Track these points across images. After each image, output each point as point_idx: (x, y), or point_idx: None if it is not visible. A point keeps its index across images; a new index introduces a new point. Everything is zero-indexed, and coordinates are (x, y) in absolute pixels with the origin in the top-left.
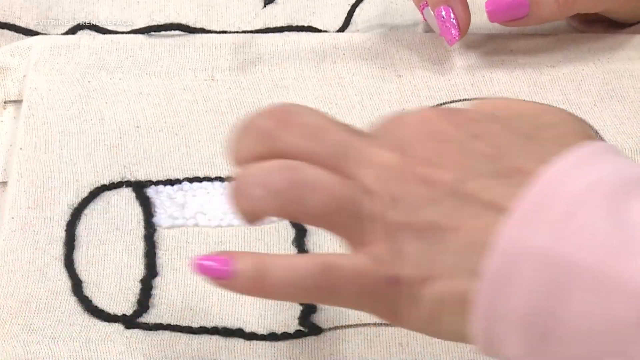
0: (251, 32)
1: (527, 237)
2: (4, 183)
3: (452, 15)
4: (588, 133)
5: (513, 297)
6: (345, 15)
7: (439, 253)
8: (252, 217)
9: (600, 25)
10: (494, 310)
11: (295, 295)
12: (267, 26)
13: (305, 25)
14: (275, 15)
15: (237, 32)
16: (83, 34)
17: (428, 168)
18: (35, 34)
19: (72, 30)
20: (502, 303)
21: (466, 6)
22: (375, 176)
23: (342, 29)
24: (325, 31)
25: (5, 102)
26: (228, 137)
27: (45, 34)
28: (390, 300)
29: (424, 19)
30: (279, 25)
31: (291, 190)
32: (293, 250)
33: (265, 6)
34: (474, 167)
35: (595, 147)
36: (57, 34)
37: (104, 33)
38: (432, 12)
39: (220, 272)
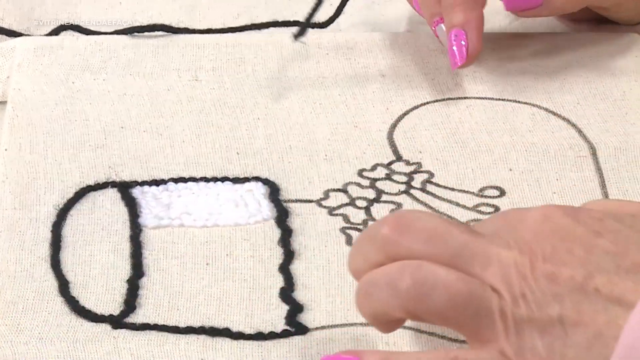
0: (237, 28)
1: None
2: None
3: (463, 41)
4: None
5: None
6: (335, 9)
7: (565, 347)
8: (380, 320)
9: (591, 24)
10: None
11: None
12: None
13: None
14: (257, 16)
15: (222, 28)
16: (66, 35)
17: (553, 265)
18: (18, 35)
19: (56, 31)
20: None
21: (480, 36)
22: (500, 274)
23: (332, 19)
24: (313, 24)
25: None
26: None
27: (28, 35)
28: None
29: (436, 35)
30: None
31: (415, 288)
32: (279, 250)
33: (296, 39)
34: (598, 264)
35: None
36: (40, 35)
37: (87, 34)
38: (444, 29)
39: None
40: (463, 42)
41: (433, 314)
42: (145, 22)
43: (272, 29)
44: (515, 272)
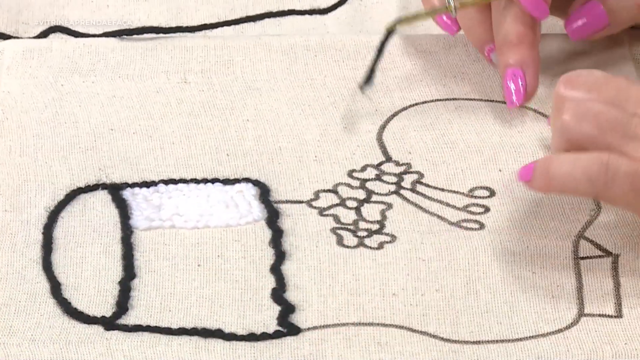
0: (231, 21)
1: None
2: None
3: (521, 80)
4: None
5: None
6: None
7: None
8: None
9: None
10: None
11: (575, 186)
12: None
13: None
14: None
15: (216, 22)
16: (55, 37)
17: None
18: (7, 38)
19: (44, 34)
20: None
21: (537, 75)
22: None
23: (335, 7)
24: (313, 11)
25: None
26: None
27: (16, 37)
28: None
29: (489, 60)
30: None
31: (573, 117)
32: (270, 251)
33: (362, 91)
34: None
35: None
36: (28, 37)
37: (76, 36)
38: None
39: (525, 175)
40: (521, 82)
41: (587, 138)
42: (132, 25)
43: (266, 20)
44: None
